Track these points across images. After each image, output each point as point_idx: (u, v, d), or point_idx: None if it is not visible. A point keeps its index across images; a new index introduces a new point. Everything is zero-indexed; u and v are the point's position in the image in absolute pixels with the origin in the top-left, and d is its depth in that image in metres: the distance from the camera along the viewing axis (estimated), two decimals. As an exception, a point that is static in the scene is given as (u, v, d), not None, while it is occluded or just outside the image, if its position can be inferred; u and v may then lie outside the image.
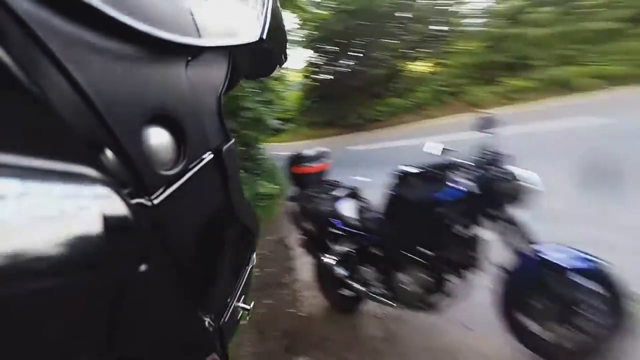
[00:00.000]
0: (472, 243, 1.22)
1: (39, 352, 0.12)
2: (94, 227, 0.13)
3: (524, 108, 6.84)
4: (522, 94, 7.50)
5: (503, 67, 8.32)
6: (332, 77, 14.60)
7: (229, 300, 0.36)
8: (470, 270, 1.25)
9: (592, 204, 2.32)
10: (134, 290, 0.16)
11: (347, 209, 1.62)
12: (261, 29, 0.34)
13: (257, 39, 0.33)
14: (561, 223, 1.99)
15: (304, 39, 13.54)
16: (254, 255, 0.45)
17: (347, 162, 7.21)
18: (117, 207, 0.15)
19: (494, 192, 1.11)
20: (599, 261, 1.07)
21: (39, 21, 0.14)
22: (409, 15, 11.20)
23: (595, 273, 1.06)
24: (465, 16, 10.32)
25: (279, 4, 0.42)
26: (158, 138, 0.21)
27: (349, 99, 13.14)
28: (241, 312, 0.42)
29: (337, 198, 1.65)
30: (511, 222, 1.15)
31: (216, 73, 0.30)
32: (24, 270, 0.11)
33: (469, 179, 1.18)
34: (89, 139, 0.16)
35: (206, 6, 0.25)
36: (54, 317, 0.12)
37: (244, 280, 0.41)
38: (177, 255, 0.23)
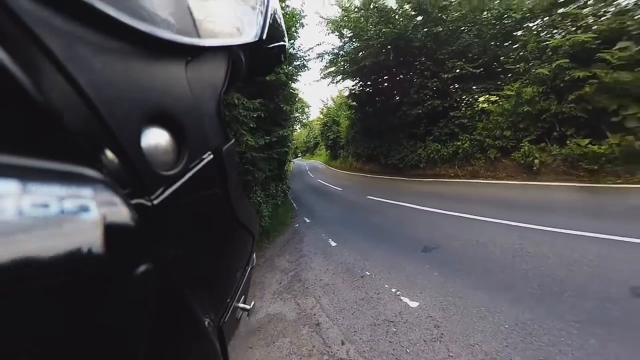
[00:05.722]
0: None
1: (33, 356, 0.12)
2: (94, 227, 0.14)
3: (596, 190, 5.25)
4: (596, 165, 5.74)
5: (568, 121, 6.54)
6: (373, 109, 14.10)
7: (228, 300, 0.36)
8: None
9: None
10: (133, 291, 0.16)
11: None
12: (261, 28, 0.34)
13: (257, 38, 0.33)
14: None
15: (345, 68, 13.32)
16: (254, 256, 0.45)
17: (352, 217, 6.93)
18: (117, 207, 0.15)
19: None
20: None
21: (39, 21, 0.14)
22: (449, 49, 9.90)
23: None
24: (517, 53, 8.47)
25: (279, 4, 0.43)
26: (158, 138, 0.21)
27: (390, 137, 12.46)
28: (241, 312, 0.43)
29: None
30: None
31: (216, 73, 0.30)
32: (21, 271, 0.11)
33: None
34: (88, 139, 0.16)
35: (206, 6, 0.26)
36: (51, 318, 0.12)
37: (244, 280, 0.42)
38: (177, 256, 0.23)
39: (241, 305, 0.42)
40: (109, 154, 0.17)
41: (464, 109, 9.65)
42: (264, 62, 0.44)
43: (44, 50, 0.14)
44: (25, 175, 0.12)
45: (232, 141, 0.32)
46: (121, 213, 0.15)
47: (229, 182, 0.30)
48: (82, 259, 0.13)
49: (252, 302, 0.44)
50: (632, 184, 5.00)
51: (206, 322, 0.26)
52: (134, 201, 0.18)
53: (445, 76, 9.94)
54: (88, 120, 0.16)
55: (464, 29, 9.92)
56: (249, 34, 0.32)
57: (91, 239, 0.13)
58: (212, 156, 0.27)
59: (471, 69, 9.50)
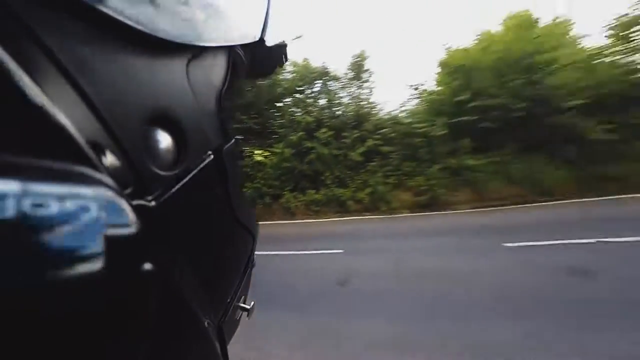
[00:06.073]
0: None
1: (33, 356, 0.12)
2: (95, 228, 0.13)
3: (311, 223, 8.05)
4: (318, 207, 8.72)
5: (306, 177, 9.45)
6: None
7: (228, 300, 0.36)
8: None
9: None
10: (134, 292, 0.16)
11: None
12: (261, 29, 0.34)
13: (257, 38, 0.33)
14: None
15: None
16: (254, 256, 0.45)
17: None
18: (118, 208, 0.15)
19: None
20: None
21: (39, 21, 0.14)
22: (247, 101, 11.33)
23: None
24: (279, 120, 11.23)
25: None
26: (159, 139, 0.21)
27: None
28: (241, 312, 0.43)
29: None
30: None
31: (217, 73, 0.29)
32: (21, 271, 0.11)
33: None
34: (89, 139, 0.16)
35: (206, 6, 0.25)
36: (52, 318, 0.12)
37: (244, 280, 0.41)
38: (177, 257, 0.23)
39: (241, 305, 0.42)
40: (110, 154, 0.17)
41: (246, 159, 11.27)
42: (265, 62, 0.44)
43: (44, 50, 0.14)
44: (25, 175, 0.12)
45: (233, 141, 0.31)
46: (122, 214, 0.15)
47: (229, 182, 0.31)
48: (83, 259, 0.13)
49: (252, 302, 0.45)
50: (332, 218, 8.29)
51: (206, 322, 0.26)
52: (135, 202, 0.18)
53: (247, 127, 11.21)
54: (89, 121, 0.16)
55: (247, 88, 11.78)
56: (250, 34, 0.32)
57: (92, 239, 0.13)
58: (212, 156, 0.27)
59: (252, 125, 11.36)
